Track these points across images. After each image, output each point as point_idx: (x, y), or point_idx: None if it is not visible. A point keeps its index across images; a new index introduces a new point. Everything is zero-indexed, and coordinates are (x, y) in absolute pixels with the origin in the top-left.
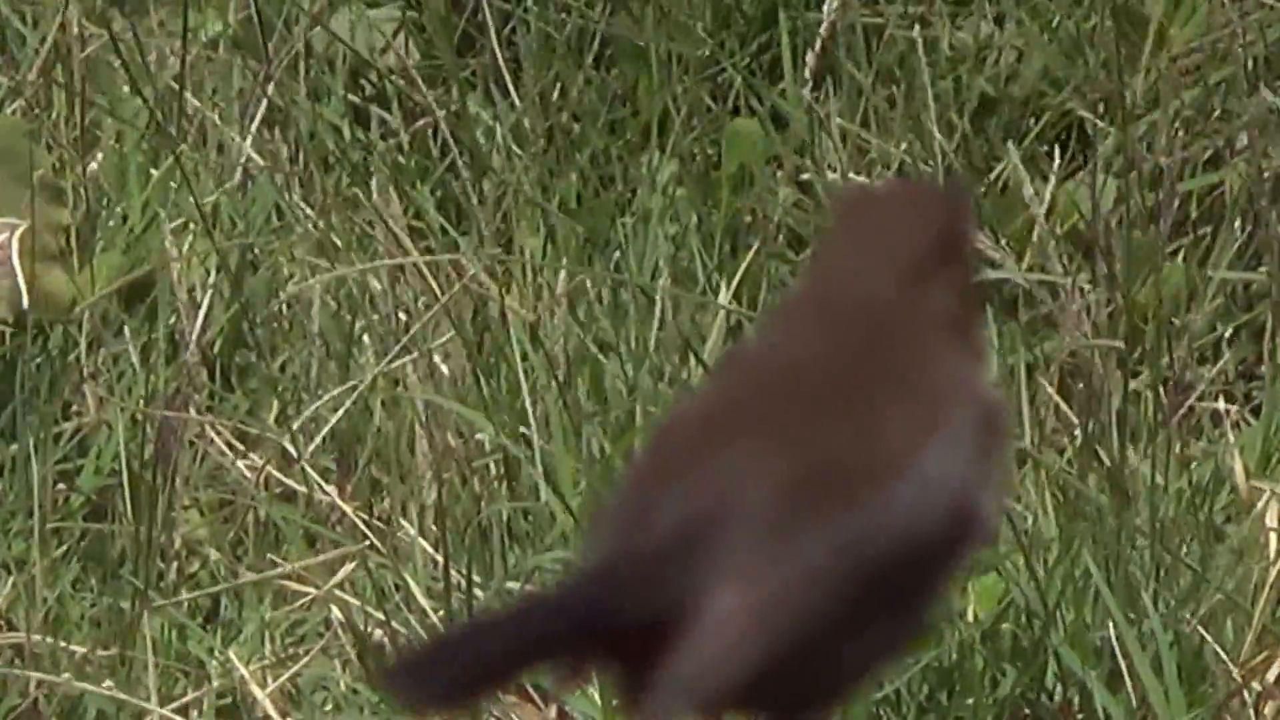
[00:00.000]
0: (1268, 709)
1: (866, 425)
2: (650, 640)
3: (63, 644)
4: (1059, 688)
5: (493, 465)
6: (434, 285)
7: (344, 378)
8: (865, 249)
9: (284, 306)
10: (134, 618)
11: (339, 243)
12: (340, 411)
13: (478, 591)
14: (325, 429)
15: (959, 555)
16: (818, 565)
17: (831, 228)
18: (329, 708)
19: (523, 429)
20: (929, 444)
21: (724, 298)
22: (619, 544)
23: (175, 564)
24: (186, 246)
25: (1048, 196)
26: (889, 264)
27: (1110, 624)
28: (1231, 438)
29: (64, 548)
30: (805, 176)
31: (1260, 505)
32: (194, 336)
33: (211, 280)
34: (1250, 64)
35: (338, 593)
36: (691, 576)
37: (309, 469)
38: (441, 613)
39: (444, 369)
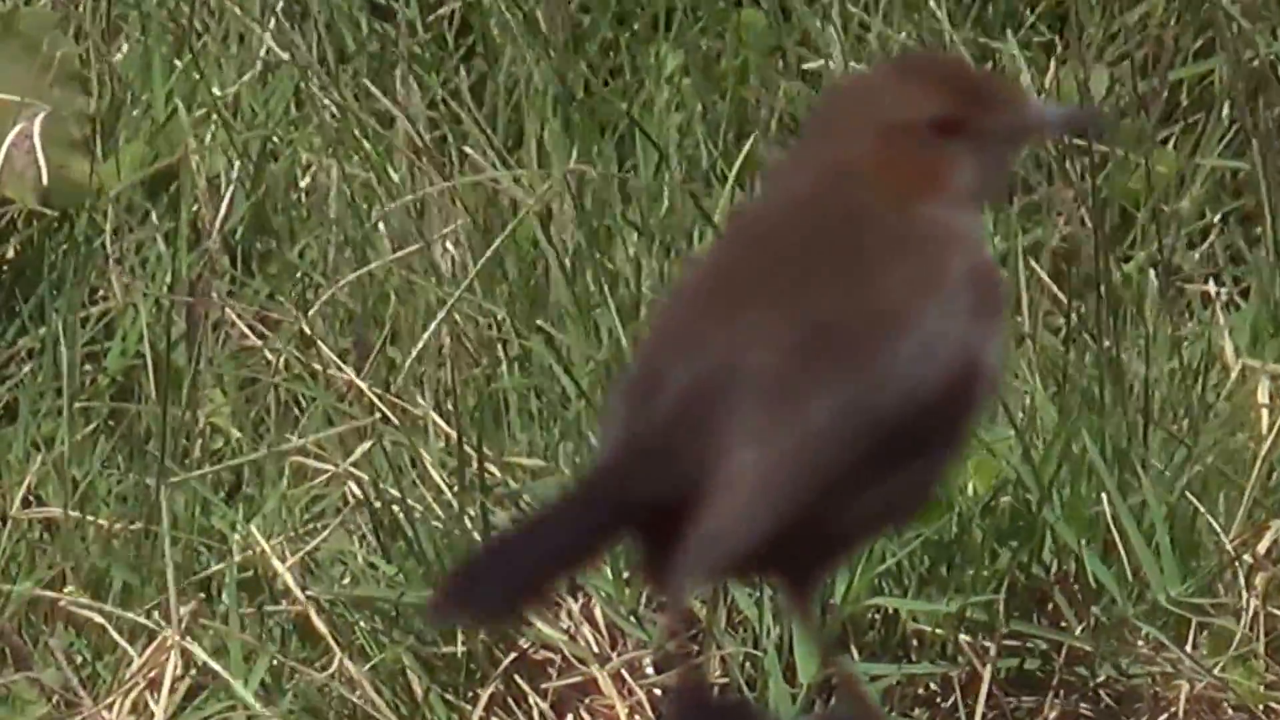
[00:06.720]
0: (1258, 580)
1: (864, 285)
2: (672, 514)
3: (90, 519)
4: (1055, 561)
5: (501, 348)
6: (437, 175)
7: (361, 262)
8: (859, 113)
9: (303, 195)
10: (158, 493)
11: (356, 133)
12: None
13: (490, 467)
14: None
15: (965, 410)
16: (825, 424)
17: (829, 98)
18: (346, 580)
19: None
20: (927, 302)
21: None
22: (632, 422)
23: (199, 442)
24: (209, 137)
25: (1046, 84)
26: (882, 129)
27: (1104, 497)
28: (1221, 319)
29: (92, 426)
30: (808, 66)
31: (1242, 380)
32: (216, 224)
33: (235, 171)
34: None
35: (354, 469)
36: (704, 444)
37: (325, 349)
38: (456, 488)
39: (455, 255)
